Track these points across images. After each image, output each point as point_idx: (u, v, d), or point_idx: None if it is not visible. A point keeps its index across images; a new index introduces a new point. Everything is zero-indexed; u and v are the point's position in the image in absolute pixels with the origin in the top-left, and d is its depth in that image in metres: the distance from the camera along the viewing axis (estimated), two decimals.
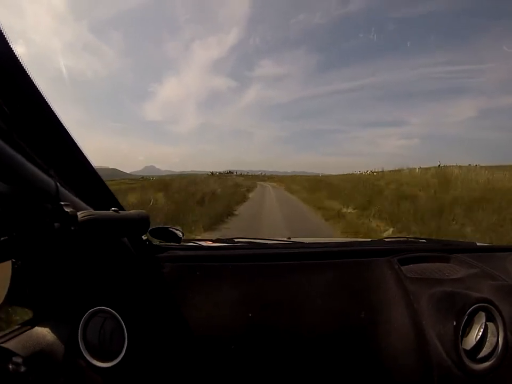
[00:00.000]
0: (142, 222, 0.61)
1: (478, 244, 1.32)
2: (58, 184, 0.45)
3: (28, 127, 0.46)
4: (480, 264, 1.01)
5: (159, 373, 0.66)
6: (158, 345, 0.68)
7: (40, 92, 0.46)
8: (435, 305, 0.82)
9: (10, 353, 0.55)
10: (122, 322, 0.66)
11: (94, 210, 0.51)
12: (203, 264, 0.79)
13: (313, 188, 21.58)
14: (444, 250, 1.10)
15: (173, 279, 0.74)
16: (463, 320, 0.76)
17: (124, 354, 0.64)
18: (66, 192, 0.49)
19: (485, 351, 0.76)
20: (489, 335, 0.77)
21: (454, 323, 0.75)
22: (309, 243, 1.17)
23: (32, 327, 0.66)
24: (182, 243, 0.94)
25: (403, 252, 0.99)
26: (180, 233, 0.94)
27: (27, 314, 0.70)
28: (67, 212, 0.39)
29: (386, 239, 1.24)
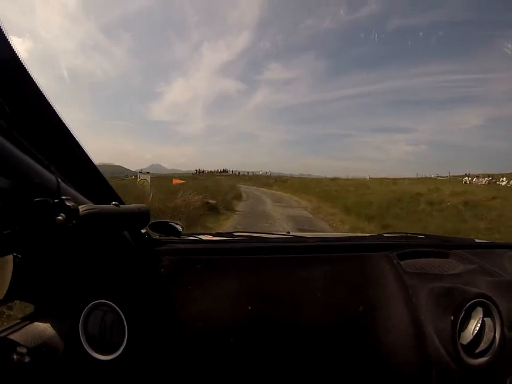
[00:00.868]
0: (142, 216, 0.61)
1: (476, 240, 1.32)
2: (59, 179, 0.45)
3: (29, 124, 0.46)
4: (478, 260, 1.02)
5: (159, 365, 0.67)
6: (158, 338, 0.68)
7: (40, 89, 0.45)
8: (433, 300, 0.82)
9: (15, 344, 0.55)
10: (123, 315, 0.66)
11: (95, 204, 0.51)
12: (203, 258, 0.79)
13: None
14: (442, 246, 1.11)
15: (173, 273, 0.74)
16: (461, 315, 0.76)
17: (124, 347, 0.64)
18: (67, 187, 0.49)
19: (482, 346, 0.77)
20: (486, 330, 0.78)
21: (452, 318, 0.76)
22: (308, 237, 1.17)
23: (34, 320, 0.67)
24: (181, 237, 0.94)
25: (402, 247, 0.99)
26: (179, 227, 0.94)
27: (29, 308, 0.70)
28: (68, 206, 0.39)
29: (385, 234, 1.25)
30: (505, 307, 0.82)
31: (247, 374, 0.71)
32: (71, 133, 0.52)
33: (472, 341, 0.76)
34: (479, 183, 19.53)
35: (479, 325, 0.76)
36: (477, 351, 0.76)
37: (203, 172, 60.46)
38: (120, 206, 0.55)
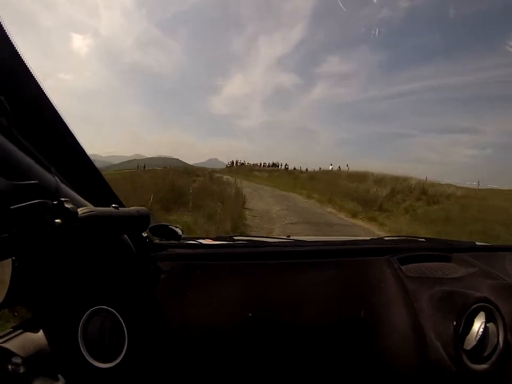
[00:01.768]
0: (142, 219, 0.61)
1: (477, 243, 1.32)
2: (58, 180, 0.45)
3: (29, 124, 0.46)
4: (480, 264, 1.02)
5: (160, 372, 0.66)
6: (158, 345, 0.67)
7: (41, 88, 0.45)
8: (435, 305, 0.81)
9: (9, 354, 0.54)
10: (123, 321, 0.65)
11: (94, 206, 0.50)
12: (203, 263, 0.79)
13: None
14: (443, 249, 1.11)
15: (173, 278, 0.74)
16: (463, 320, 0.76)
17: (124, 355, 0.63)
18: (67, 188, 0.48)
19: (485, 351, 0.76)
20: (489, 335, 0.77)
21: (454, 323, 0.75)
22: (308, 241, 1.17)
23: (32, 327, 0.66)
24: (181, 241, 0.93)
25: (403, 251, 0.99)
26: (179, 231, 0.93)
27: (27, 314, 0.69)
28: (67, 208, 0.39)
29: (386, 238, 1.24)
30: (508, 311, 0.81)
31: (247, 381, 0.70)
32: (72, 134, 0.52)
33: (475, 346, 0.75)
34: None
35: (482, 329, 0.75)
36: (480, 356, 0.76)
37: (240, 163, 45.54)
38: (120, 208, 0.54)
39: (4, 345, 0.58)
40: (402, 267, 0.91)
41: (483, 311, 0.78)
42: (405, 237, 1.28)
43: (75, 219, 0.40)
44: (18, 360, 0.52)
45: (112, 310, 0.66)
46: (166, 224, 0.92)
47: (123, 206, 0.59)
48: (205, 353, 0.68)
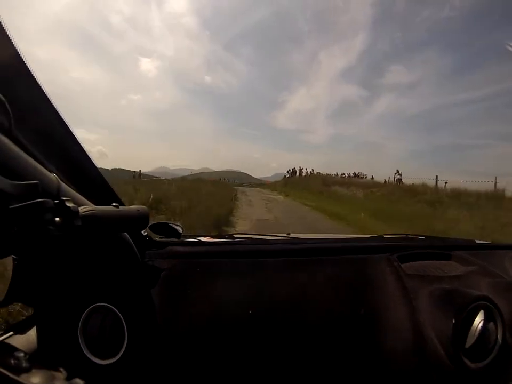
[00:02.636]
0: (142, 218, 0.61)
1: (477, 241, 1.32)
2: (59, 180, 0.45)
3: (30, 123, 0.46)
4: (479, 262, 1.02)
5: (159, 369, 0.66)
6: (158, 342, 0.67)
7: (42, 89, 0.45)
8: (434, 303, 0.82)
9: (11, 349, 0.55)
10: (122, 318, 0.66)
11: (95, 205, 0.50)
12: (203, 260, 0.79)
13: None
14: (443, 247, 1.11)
15: (173, 275, 0.74)
16: (462, 317, 0.76)
17: (124, 351, 0.64)
18: (67, 187, 0.48)
19: (483, 349, 0.76)
20: (488, 333, 0.77)
21: (453, 321, 0.76)
22: (308, 239, 1.17)
23: (33, 323, 0.66)
24: (181, 238, 0.94)
25: (402, 249, 0.99)
26: (179, 229, 0.93)
27: (28, 311, 0.70)
28: (68, 207, 0.39)
29: (385, 236, 1.24)
30: (507, 309, 0.82)
31: (247, 378, 0.70)
32: (72, 134, 0.52)
33: (474, 344, 0.75)
34: None
35: (480, 328, 0.76)
36: (479, 354, 0.76)
37: (305, 172, 29.82)
38: (120, 207, 0.55)
39: (8, 340, 0.58)
40: (402, 265, 0.91)
41: (482, 309, 0.78)
42: (405, 235, 1.28)
43: (76, 218, 0.40)
44: (21, 355, 0.52)
45: (112, 307, 0.66)
46: (166, 222, 0.93)
47: (123, 205, 0.59)
48: (205, 350, 0.69)
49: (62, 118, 0.49)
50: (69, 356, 0.64)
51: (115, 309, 0.66)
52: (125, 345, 0.64)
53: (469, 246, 1.19)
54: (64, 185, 0.46)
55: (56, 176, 0.45)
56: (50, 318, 0.67)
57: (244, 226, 7.26)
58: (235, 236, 1.09)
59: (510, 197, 10.08)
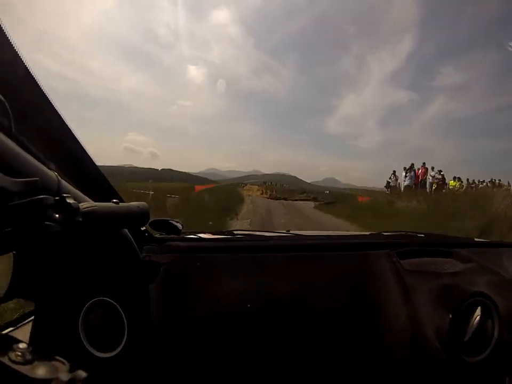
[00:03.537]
0: (142, 214, 0.61)
1: (475, 239, 1.32)
2: (59, 177, 0.45)
3: (29, 121, 0.46)
4: (478, 259, 1.02)
5: (159, 362, 0.67)
6: (158, 336, 0.68)
7: (41, 88, 0.46)
8: (432, 298, 0.82)
9: (14, 341, 0.55)
10: (122, 313, 0.66)
11: (95, 202, 0.51)
12: (203, 256, 0.80)
13: None
14: (442, 245, 1.11)
15: (173, 271, 0.75)
16: (460, 313, 0.77)
17: (124, 345, 0.65)
18: (68, 184, 0.49)
19: (479, 344, 0.77)
20: (485, 328, 0.78)
21: (451, 316, 0.76)
22: (308, 235, 1.17)
23: (34, 318, 0.67)
24: (182, 235, 0.94)
25: (402, 246, 0.99)
26: (179, 226, 0.94)
27: (29, 306, 0.71)
28: (69, 203, 0.40)
29: (384, 233, 1.25)
30: (504, 306, 0.82)
31: (247, 372, 0.71)
32: (71, 131, 0.53)
33: (470, 339, 0.76)
34: None
35: (477, 323, 0.77)
36: (475, 349, 0.77)
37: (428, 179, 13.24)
38: (120, 204, 0.55)
39: (10, 333, 0.59)
40: (401, 261, 0.91)
41: (479, 305, 0.79)
42: (404, 232, 1.29)
43: (77, 214, 0.41)
44: (24, 347, 0.53)
45: (112, 302, 0.67)
46: (167, 219, 0.93)
47: (123, 202, 0.60)
48: (203, 344, 0.69)
49: (61, 117, 0.50)
50: (69, 349, 0.64)
51: (115, 303, 0.67)
52: (125, 339, 0.65)
53: (468, 244, 1.20)
54: (64, 182, 0.47)
55: (56, 174, 0.45)
56: (51, 312, 0.68)
57: None
58: (235, 232, 1.09)
59: None
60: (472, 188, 13.54)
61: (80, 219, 0.41)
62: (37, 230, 0.37)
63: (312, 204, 18.97)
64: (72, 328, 0.66)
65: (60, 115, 0.50)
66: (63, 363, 0.47)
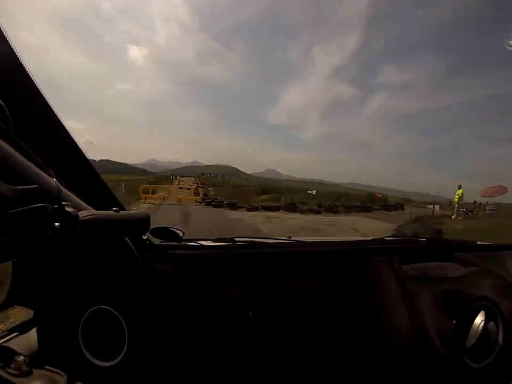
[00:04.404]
0: (142, 222, 0.61)
1: (478, 242, 1.32)
2: (59, 184, 0.45)
3: (29, 128, 0.46)
4: (481, 263, 1.01)
5: (159, 371, 0.66)
6: (158, 344, 0.68)
7: (41, 93, 0.46)
8: (436, 304, 0.82)
9: (12, 353, 0.55)
10: (123, 321, 0.66)
11: (95, 210, 0.51)
12: (204, 264, 0.79)
13: None
14: (444, 249, 1.10)
15: (173, 278, 0.74)
16: (464, 318, 0.76)
17: (124, 354, 0.64)
18: (67, 192, 0.49)
19: (485, 349, 0.76)
20: (489, 333, 0.77)
21: (454, 321, 0.75)
22: (309, 242, 1.16)
23: (33, 326, 0.66)
24: (182, 243, 0.94)
25: (403, 251, 0.99)
26: (180, 233, 0.93)
27: (28, 314, 0.70)
28: (68, 212, 0.39)
29: (386, 238, 1.24)
30: (508, 310, 0.82)
31: (248, 379, 0.70)
32: (72, 138, 0.53)
33: (475, 344, 0.75)
34: None
35: (482, 328, 0.76)
36: (480, 354, 0.76)
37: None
38: (121, 212, 0.55)
39: (6, 344, 0.58)
40: (403, 267, 0.91)
41: (483, 309, 0.78)
42: (406, 237, 1.28)
43: (76, 223, 0.40)
44: (21, 359, 0.52)
45: (112, 310, 0.66)
46: (167, 226, 0.93)
47: (123, 209, 0.59)
48: (204, 353, 0.69)
49: (61, 123, 0.50)
50: (69, 358, 0.64)
51: (115, 312, 0.66)
52: (125, 348, 0.64)
53: (470, 247, 1.19)
54: (64, 190, 0.46)
55: (56, 181, 0.45)
56: (51, 321, 0.67)
57: None
58: (236, 239, 1.09)
59: None
60: None
61: (80, 228, 0.41)
62: (36, 239, 0.37)
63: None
64: (72, 337, 0.65)
65: (60, 122, 0.50)
66: (61, 375, 0.47)
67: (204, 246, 0.96)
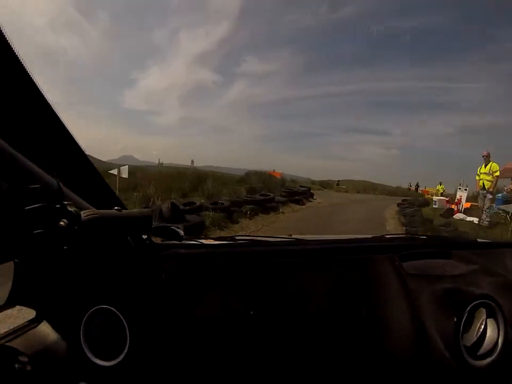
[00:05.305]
0: (144, 221, 0.61)
1: (478, 240, 1.32)
2: (61, 184, 0.45)
3: (30, 128, 0.46)
4: (481, 260, 1.02)
5: (161, 371, 0.66)
6: (160, 344, 0.68)
7: (42, 94, 0.46)
8: (436, 302, 0.82)
9: (16, 352, 0.55)
10: (124, 320, 0.66)
11: (97, 209, 0.51)
12: (204, 263, 0.79)
13: None
14: (444, 246, 1.11)
15: (175, 277, 0.74)
16: (464, 316, 0.76)
17: (126, 353, 0.64)
18: (69, 191, 0.49)
19: (485, 347, 0.76)
20: (489, 331, 0.77)
21: (455, 319, 0.76)
22: (310, 240, 1.17)
23: (35, 326, 0.66)
24: (183, 241, 0.94)
25: (404, 249, 0.99)
26: (181, 232, 0.93)
27: (30, 314, 0.70)
28: (70, 211, 0.40)
29: (387, 236, 1.24)
30: (509, 307, 0.82)
31: (249, 379, 0.70)
32: (73, 138, 0.53)
33: (475, 342, 0.75)
34: None
35: (482, 326, 0.76)
36: (481, 352, 0.76)
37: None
38: (122, 211, 0.55)
39: (11, 342, 0.58)
40: (404, 264, 0.91)
41: (483, 307, 0.78)
42: (406, 235, 1.28)
43: (78, 222, 0.41)
44: (25, 359, 0.52)
45: (114, 309, 0.66)
46: (168, 225, 0.93)
47: (125, 208, 0.60)
48: (206, 351, 0.69)
49: (63, 123, 0.50)
50: (71, 357, 0.64)
51: (117, 311, 0.66)
52: (127, 347, 0.64)
53: (471, 244, 1.19)
54: (66, 190, 0.47)
55: (58, 181, 0.45)
56: (52, 320, 0.67)
57: None
58: (237, 238, 1.09)
59: None
60: None
61: (81, 227, 0.41)
62: (37, 238, 0.37)
63: None
64: (74, 336, 0.65)
65: (61, 121, 0.50)
66: (63, 375, 0.47)
67: (204, 245, 0.96)
